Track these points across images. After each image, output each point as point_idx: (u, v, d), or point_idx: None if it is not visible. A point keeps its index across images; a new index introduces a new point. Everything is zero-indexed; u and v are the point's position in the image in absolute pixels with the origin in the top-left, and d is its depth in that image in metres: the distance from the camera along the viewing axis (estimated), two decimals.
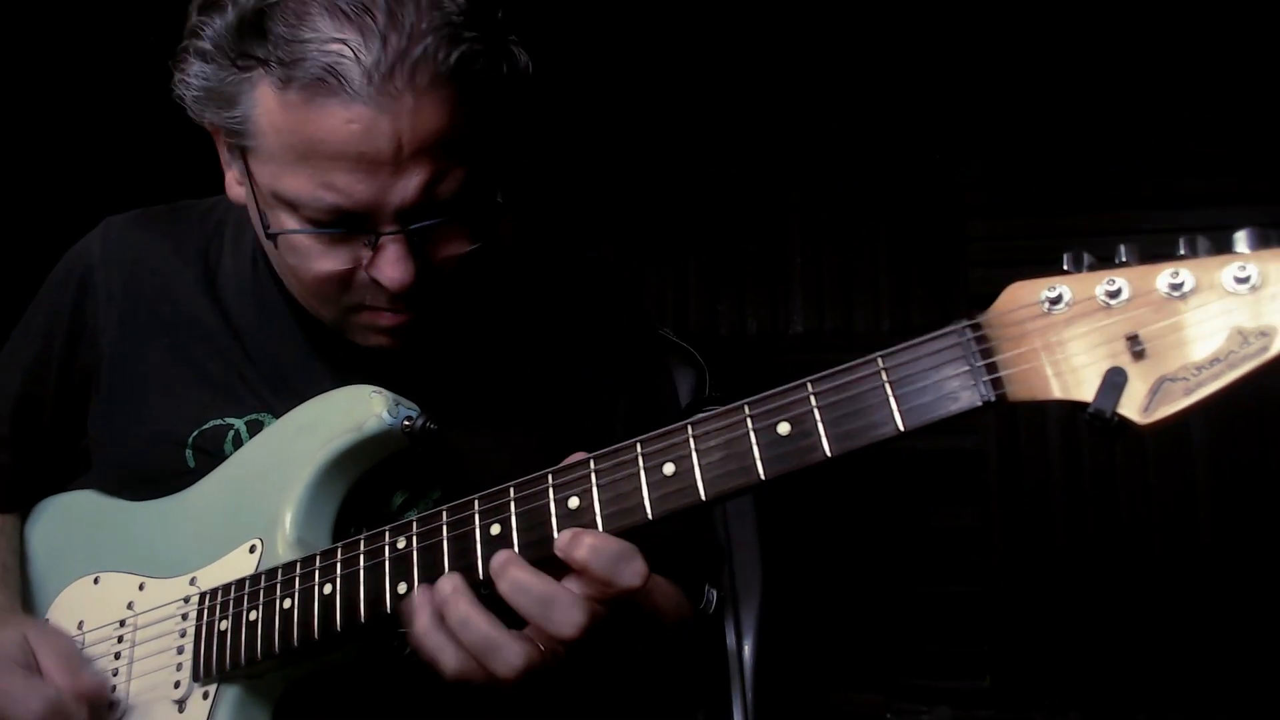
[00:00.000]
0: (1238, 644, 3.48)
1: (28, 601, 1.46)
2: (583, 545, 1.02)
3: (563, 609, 1.02)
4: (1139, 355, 0.89)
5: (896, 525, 3.78)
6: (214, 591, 1.29)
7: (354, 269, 1.22)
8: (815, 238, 3.93)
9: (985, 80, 3.75)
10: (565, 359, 1.46)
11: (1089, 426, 0.90)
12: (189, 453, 1.41)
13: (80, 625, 1.40)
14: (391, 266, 1.18)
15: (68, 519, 1.50)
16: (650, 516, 1.03)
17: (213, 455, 1.40)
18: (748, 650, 2.02)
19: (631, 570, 1.02)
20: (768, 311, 3.97)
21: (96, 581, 1.42)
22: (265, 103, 1.14)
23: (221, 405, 1.42)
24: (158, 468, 1.42)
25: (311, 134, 1.11)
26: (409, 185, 1.14)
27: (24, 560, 1.49)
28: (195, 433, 1.41)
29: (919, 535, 3.77)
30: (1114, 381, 0.89)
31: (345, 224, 1.17)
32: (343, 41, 1.08)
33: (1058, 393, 0.91)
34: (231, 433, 1.40)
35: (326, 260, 1.21)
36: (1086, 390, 0.90)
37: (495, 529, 1.11)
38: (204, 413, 1.41)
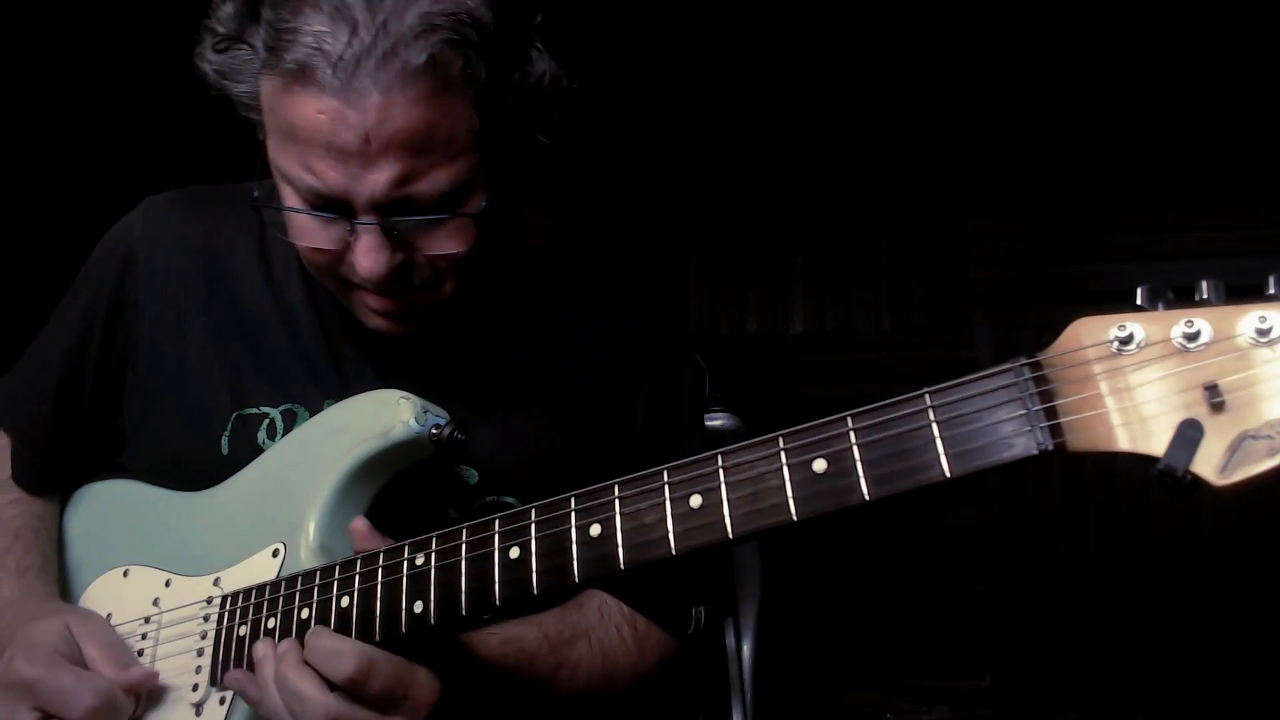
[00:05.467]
0: (1237, 645, 3.31)
1: (62, 590, 1.35)
2: (309, 644, 1.04)
3: (307, 708, 1.01)
4: (1218, 407, 0.74)
5: (896, 525, 3.61)
6: (235, 595, 1.18)
7: (345, 251, 1.15)
8: (816, 238, 3.75)
9: (986, 80, 3.55)
10: (590, 350, 1.36)
11: (1158, 483, 0.75)
12: (224, 439, 1.30)
13: (109, 618, 1.29)
14: (364, 256, 1.11)
15: (104, 509, 1.39)
16: (674, 551, 0.89)
17: (247, 443, 1.30)
18: (747, 650, 1.89)
19: (335, 666, 1.01)
20: (768, 311, 3.80)
21: (126, 574, 1.31)
22: (261, 84, 1.12)
23: (258, 393, 1.31)
24: (191, 452, 1.32)
25: (291, 119, 1.08)
26: (378, 179, 1.07)
27: (60, 548, 1.38)
28: (232, 418, 1.31)
29: (919, 535, 3.59)
30: (1188, 436, 0.74)
31: (328, 208, 1.12)
32: (316, 34, 1.03)
33: (1124, 444, 0.76)
34: (266, 421, 1.30)
35: (316, 238, 1.15)
36: (1157, 443, 0.75)
37: (514, 552, 0.98)
38: (241, 400, 1.31)
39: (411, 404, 1.17)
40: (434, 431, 1.16)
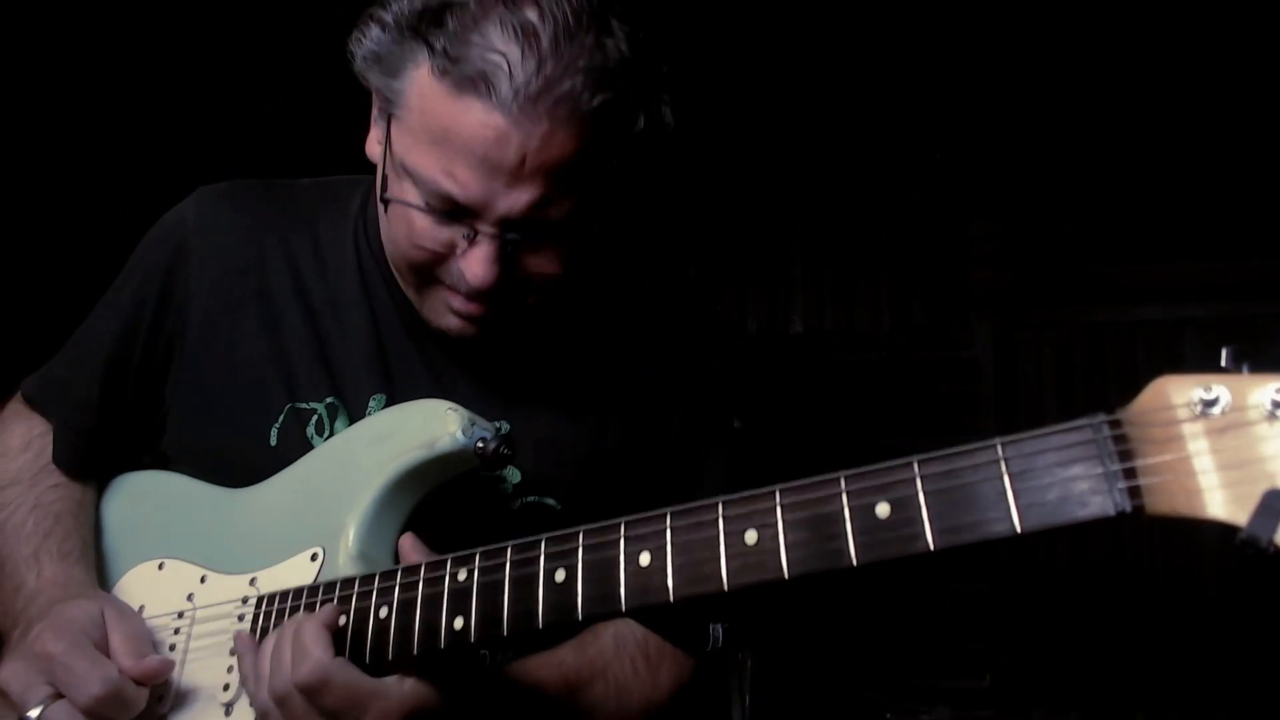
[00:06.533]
0: (1237, 645, 3.26)
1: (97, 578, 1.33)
2: (300, 626, 1.06)
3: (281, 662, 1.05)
4: None
5: None
6: (270, 597, 1.16)
7: (448, 254, 1.18)
8: (816, 237, 3.73)
9: (987, 81, 3.52)
10: (636, 359, 1.37)
11: (1240, 554, 0.72)
12: (274, 431, 1.29)
13: (141, 609, 1.27)
14: (479, 263, 1.15)
15: (141, 499, 1.38)
16: (726, 588, 0.87)
17: (296, 437, 1.28)
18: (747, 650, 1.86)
19: (297, 664, 1.03)
20: (768, 311, 3.76)
21: (161, 567, 1.29)
22: (421, 83, 1.13)
23: (310, 386, 1.30)
24: (238, 441, 1.30)
25: (449, 124, 1.10)
26: (519, 198, 1.11)
27: (96, 536, 1.37)
28: (285, 409, 1.29)
29: None
30: (1273, 506, 0.71)
31: (453, 213, 1.14)
32: (504, 55, 1.07)
33: (1207, 510, 0.72)
34: (315, 417, 1.29)
35: (427, 236, 1.17)
36: (1241, 512, 0.71)
37: (560, 575, 0.96)
38: (294, 392, 1.30)
39: (459, 416, 1.15)
40: (479, 445, 1.14)
